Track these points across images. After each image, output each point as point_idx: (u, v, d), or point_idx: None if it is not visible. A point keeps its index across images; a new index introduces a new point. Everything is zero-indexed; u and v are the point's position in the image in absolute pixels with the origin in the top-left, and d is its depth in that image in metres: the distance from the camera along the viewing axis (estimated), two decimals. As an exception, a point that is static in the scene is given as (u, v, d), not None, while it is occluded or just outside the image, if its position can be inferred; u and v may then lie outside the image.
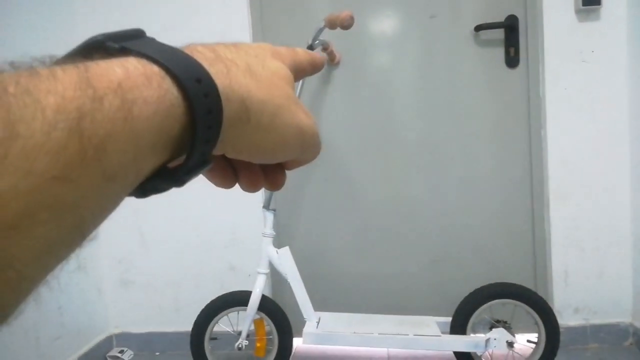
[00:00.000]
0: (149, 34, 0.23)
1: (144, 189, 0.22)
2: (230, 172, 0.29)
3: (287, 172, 0.31)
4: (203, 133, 0.21)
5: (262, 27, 1.78)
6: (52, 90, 0.16)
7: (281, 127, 0.26)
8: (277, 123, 0.25)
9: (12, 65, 0.17)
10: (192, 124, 0.20)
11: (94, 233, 0.19)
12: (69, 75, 0.17)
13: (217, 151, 0.24)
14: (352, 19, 1.33)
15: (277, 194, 1.75)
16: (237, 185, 0.30)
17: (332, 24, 1.36)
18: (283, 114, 0.26)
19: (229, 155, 0.26)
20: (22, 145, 0.15)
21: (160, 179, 0.22)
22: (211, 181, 0.29)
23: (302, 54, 0.32)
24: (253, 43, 0.28)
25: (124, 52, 0.20)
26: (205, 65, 0.22)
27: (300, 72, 0.31)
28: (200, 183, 1.46)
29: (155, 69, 0.20)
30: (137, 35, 0.22)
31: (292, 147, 0.27)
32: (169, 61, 0.20)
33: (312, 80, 1.77)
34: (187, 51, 0.22)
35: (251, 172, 0.29)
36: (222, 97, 0.21)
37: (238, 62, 0.24)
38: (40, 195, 0.15)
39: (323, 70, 1.78)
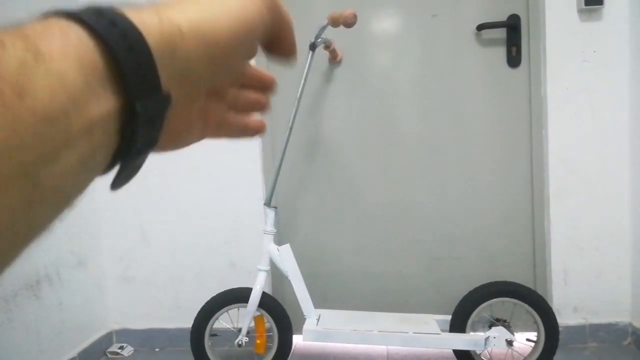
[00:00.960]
0: None
1: (123, 153, 0.21)
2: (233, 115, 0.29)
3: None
4: (128, 60, 0.19)
5: (264, 24, 1.78)
6: None
7: (218, 6, 0.24)
8: (209, 7, 0.23)
9: None
10: (114, 55, 0.19)
11: (63, 190, 0.18)
12: None
13: (190, 86, 0.23)
14: (355, 17, 1.33)
15: (279, 191, 1.75)
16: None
17: (335, 22, 1.36)
18: (210, 1, 0.24)
19: (210, 81, 0.24)
20: None
21: (127, 136, 0.21)
22: (223, 136, 0.29)
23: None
24: None
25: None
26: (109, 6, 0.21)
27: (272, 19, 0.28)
28: (201, 181, 1.47)
29: (52, 18, 0.19)
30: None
31: (251, 13, 0.25)
32: (66, 10, 0.20)
33: (314, 79, 1.77)
34: None
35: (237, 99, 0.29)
36: (135, 22, 0.20)
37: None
38: None
39: (325, 69, 1.78)
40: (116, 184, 0.23)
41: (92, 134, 0.19)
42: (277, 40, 0.29)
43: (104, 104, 0.19)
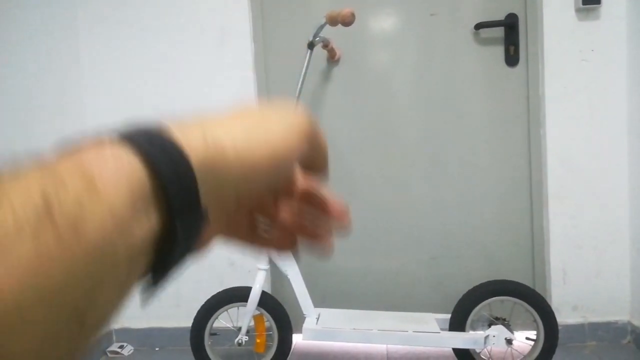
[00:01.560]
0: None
1: (161, 264, 0.22)
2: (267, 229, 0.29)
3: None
4: (174, 185, 0.21)
5: (263, 23, 1.79)
6: (15, 186, 0.17)
7: (263, 134, 0.25)
8: (255, 134, 0.25)
9: None
10: (161, 181, 0.21)
11: (103, 319, 0.19)
12: (31, 170, 0.18)
13: (227, 203, 0.24)
14: (353, 16, 1.33)
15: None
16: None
17: (333, 21, 1.36)
18: (255, 124, 0.25)
19: (247, 199, 0.25)
20: None
21: (164, 253, 0.21)
22: (267, 249, 0.29)
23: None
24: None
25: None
26: (158, 126, 0.22)
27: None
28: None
29: (106, 143, 0.20)
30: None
31: (289, 144, 0.26)
32: (121, 130, 0.21)
33: (312, 78, 1.77)
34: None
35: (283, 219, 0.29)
36: (183, 145, 0.22)
37: (192, 118, 0.24)
38: (24, 284, 0.15)
39: (323, 68, 1.78)
40: (147, 296, 0.24)
41: (132, 259, 0.19)
42: (311, 162, 0.30)
43: (146, 227, 0.20)
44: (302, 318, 1.50)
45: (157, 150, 0.21)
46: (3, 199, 0.16)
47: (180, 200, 0.21)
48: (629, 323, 1.68)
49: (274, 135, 0.25)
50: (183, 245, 0.22)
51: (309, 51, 1.52)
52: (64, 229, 0.16)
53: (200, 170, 0.22)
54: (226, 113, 0.26)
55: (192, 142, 0.22)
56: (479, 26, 1.68)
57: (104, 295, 0.18)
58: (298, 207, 0.31)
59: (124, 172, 0.19)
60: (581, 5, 1.60)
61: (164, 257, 0.22)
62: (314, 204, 0.31)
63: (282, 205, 0.30)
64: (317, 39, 1.51)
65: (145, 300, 0.24)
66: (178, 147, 0.21)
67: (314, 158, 0.29)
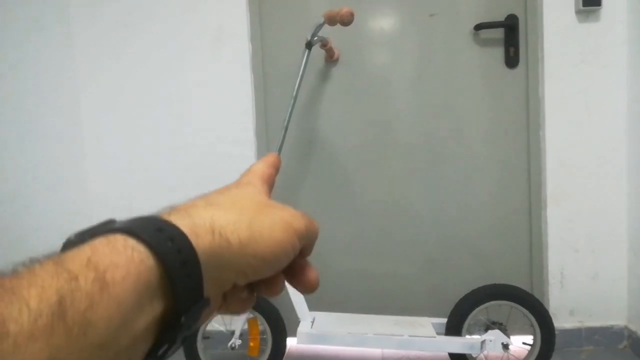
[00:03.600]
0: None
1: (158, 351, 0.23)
2: (247, 295, 0.30)
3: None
4: (179, 274, 0.22)
5: (260, 22, 1.76)
6: (32, 283, 0.18)
7: (266, 232, 0.27)
8: (259, 230, 0.26)
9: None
10: (167, 270, 0.21)
11: None
12: (46, 266, 0.19)
13: (224, 284, 0.26)
14: (352, 15, 1.31)
15: (273, 191, 1.72)
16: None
17: (331, 20, 1.34)
18: (259, 219, 0.27)
19: (242, 283, 0.27)
20: (13, 341, 0.16)
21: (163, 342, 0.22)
22: (231, 311, 0.30)
23: (257, 166, 0.35)
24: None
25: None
26: (166, 217, 0.24)
27: (267, 177, 0.35)
28: (196, 181, 1.44)
29: (117, 235, 0.21)
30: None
31: (288, 242, 0.27)
32: (128, 223, 0.22)
33: (310, 78, 1.75)
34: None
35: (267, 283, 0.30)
36: (190, 235, 0.23)
37: (197, 203, 0.27)
38: None
39: (321, 67, 1.76)
40: None
41: (134, 346, 0.20)
42: (301, 250, 0.31)
43: (148, 316, 0.21)
44: (296, 321, 1.48)
45: (164, 242, 0.22)
46: (21, 296, 0.17)
47: (186, 293, 0.22)
48: (626, 327, 1.67)
49: (276, 233, 0.27)
50: (184, 332, 0.23)
51: (307, 51, 1.50)
52: (75, 330, 0.17)
53: (206, 261, 0.23)
54: (231, 199, 0.28)
55: (199, 231, 0.24)
56: (478, 27, 1.66)
57: None
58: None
59: (133, 265, 0.20)
60: (581, 7, 1.58)
61: (164, 342, 0.22)
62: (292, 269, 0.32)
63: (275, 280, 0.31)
64: (315, 38, 1.49)
65: None
66: (185, 237, 0.23)
67: (304, 248, 0.31)
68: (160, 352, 0.23)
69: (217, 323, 1.55)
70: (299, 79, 1.48)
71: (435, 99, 1.73)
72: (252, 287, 0.30)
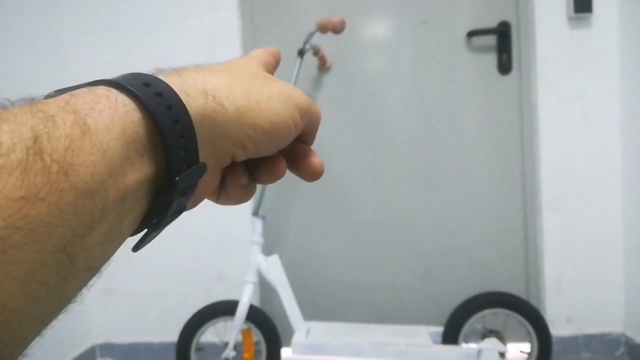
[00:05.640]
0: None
1: (151, 219, 0.21)
2: (248, 181, 0.28)
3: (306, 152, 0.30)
4: (171, 132, 0.20)
5: (253, 29, 1.76)
6: (4, 119, 0.16)
7: (264, 101, 0.25)
8: (256, 98, 0.24)
9: None
10: (157, 126, 0.20)
11: (93, 261, 0.18)
12: (19, 107, 0.17)
13: (222, 157, 0.24)
14: (343, 24, 1.31)
15: (267, 200, 1.72)
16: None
17: (323, 29, 1.34)
18: (256, 88, 0.25)
19: (240, 157, 0.25)
20: None
21: (158, 202, 0.21)
22: (232, 200, 0.29)
23: (257, 51, 0.33)
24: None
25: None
26: (155, 75, 0.22)
27: (265, 63, 0.31)
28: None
29: (100, 86, 0.20)
30: None
31: (288, 115, 0.26)
32: (114, 78, 0.20)
33: (303, 85, 1.74)
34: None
35: (267, 163, 0.28)
36: (180, 93, 0.21)
37: (188, 68, 0.24)
38: (10, 218, 0.15)
39: (314, 75, 1.75)
40: (139, 246, 0.24)
41: (124, 203, 0.19)
42: (302, 135, 0.30)
43: (139, 172, 0.19)
44: (291, 332, 1.46)
45: (152, 95, 0.20)
46: None
47: (179, 151, 0.20)
48: (623, 334, 1.66)
49: (275, 104, 0.25)
50: (180, 199, 0.22)
51: (299, 59, 1.49)
52: (54, 168, 0.16)
53: (199, 124, 0.21)
54: (226, 67, 0.26)
55: (191, 92, 0.22)
56: (471, 34, 1.67)
57: (94, 238, 0.18)
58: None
59: (117, 113, 0.19)
60: (573, 14, 1.59)
61: (159, 211, 0.21)
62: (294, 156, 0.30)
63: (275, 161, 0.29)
64: (308, 46, 1.49)
65: (136, 249, 0.24)
66: (174, 94, 0.21)
67: (306, 133, 0.29)
68: (156, 218, 0.21)
69: (210, 334, 1.53)
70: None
71: (429, 106, 1.73)
72: (252, 174, 0.29)
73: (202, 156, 0.22)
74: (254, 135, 0.24)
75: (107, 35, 1.76)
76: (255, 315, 1.48)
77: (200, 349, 1.51)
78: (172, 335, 1.54)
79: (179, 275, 1.78)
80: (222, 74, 0.24)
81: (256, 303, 1.68)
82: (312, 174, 0.30)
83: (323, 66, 1.72)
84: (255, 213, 1.47)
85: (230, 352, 1.44)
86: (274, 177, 0.28)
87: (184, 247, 1.78)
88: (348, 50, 1.73)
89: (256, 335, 1.49)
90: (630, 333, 1.64)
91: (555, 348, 1.49)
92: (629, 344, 1.64)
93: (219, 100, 0.23)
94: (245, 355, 1.49)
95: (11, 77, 1.52)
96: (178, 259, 1.78)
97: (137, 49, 1.75)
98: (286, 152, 0.29)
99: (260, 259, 1.45)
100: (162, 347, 1.78)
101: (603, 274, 1.67)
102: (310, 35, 1.44)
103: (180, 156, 0.20)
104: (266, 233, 1.71)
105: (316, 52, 1.59)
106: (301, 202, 1.78)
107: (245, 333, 1.49)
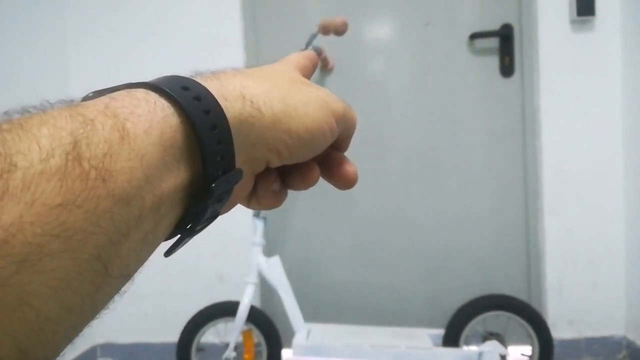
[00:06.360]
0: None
1: (187, 224, 0.21)
2: (280, 187, 0.28)
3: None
4: (209, 137, 0.20)
5: (255, 32, 1.76)
6: (44, 122, 0.16)
7: (300, 107, 0.24)
8: (293, 104, 0.24)
9: (6, 113, 0.17)
10: (195, 131, 0.20)
11: (127, 269, 0.18)
12: (59, 110, 0.17)
13: (256, 163, 0.24)
14: (346, 25, 1.31)
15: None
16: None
17: (325, 30, 1.34)
18: (293, 94, 0.25)
19: (275, 163, 0.25)
20: (21, 176, 0.15)
21: (192, 209, 0.21)
22: (262, 206, 0.28)
23: (294, 55, 0.33)
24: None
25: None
26: (193, 77, 0.22)
27: (302, 67, 0.31)
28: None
29: (140, 89, 0.20)
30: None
31: (324, 121, 0.25)
32: (154, 80, 0.20)
33: (305, 87, 1.74)
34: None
35: (301, 170, 0.28)
36: (218, 98, 0.21)
37: (225, 71, 0.24)
38: (47, 225, 0.15)
39: (316, 77, 1.76)
40: (171, 252, 0.24)
41: (159, 209, 0.19)
42: (337, 143, 0.30)
43: (175, 178, 0.19)
44: (292, 333, 1.46)
45: (190, 99, 0.20)
46: (30, 133, 0.16)
47: (216, 157, 0.20)
48: (625, 337, 1.66)
49: (312, 110, 0.25)
50: (215, 205, 0.22)
51: (301, 60, 1.49)
52: (92, 174, 0.16)
53: (236, 129, 0.21)
54: (264, 72, 0.26)
55: (229, 96, 0.22)
56: (474, 36, 1.67)
57: (129, 245, 0.18)
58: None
59: (156, 118, 0.19)
60: (576, 17, 1.59)
61: (194, 217, 0.21)
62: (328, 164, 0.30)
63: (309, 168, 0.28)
64: (310, 47, 1.49)
65: (168, 255, 0.24)
66: (213, 98, 0.21)
67: (340, 140, 0.29)
68: (190, 223, 0.21)
69: (211, 335, 1.53)
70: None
71: (431, 109, 1.72)
72: (284, 180, 0.28)
73: (238, 162, 0.22)
74: (290, 142, 0.24)
75: (108, 35, 1.76)
76: (256, 316, 1.48)
77: (200, 349, 1.51)
78: (172, 335, 1.54)
79: (180, 276, 1.79)
80: (259, 78, 0.24)
81: (257, 304, 1.68)
82: (345, 182, 0.30)
83: (325, 68, 1.72)
84: (257, 214, 1.47)
85: (230, 353, 1.44)
86: (307, 184, 0.28)
87: (185, 248, 1.77)
88: (350, 52, 1.74)
89: (257, 337, 1.49)
90: (632, 336, 1.64)
91: (556, 351, 1.49)
92: (630, 347, 1.64)
93: (256, 105, 0.23)
94: (246, 356, 1.49)
95: (13, 77, 1.53)
96: (179, 260, 1.77)
97: (139, 49, 1.75)
98: (320, 158, 0.28)
99: (261, 260, 1.45)
100: (163, 347, 1.78)
101: (605, 276, 1.66)
102: (313, 36, 1.44)
103: (216, 162, 0.20)
104: (267, 234, 1.71)
105: (318, 53, 1.59)
106: (302, 203, 1.78)
107: (245, 334, 1.49)
